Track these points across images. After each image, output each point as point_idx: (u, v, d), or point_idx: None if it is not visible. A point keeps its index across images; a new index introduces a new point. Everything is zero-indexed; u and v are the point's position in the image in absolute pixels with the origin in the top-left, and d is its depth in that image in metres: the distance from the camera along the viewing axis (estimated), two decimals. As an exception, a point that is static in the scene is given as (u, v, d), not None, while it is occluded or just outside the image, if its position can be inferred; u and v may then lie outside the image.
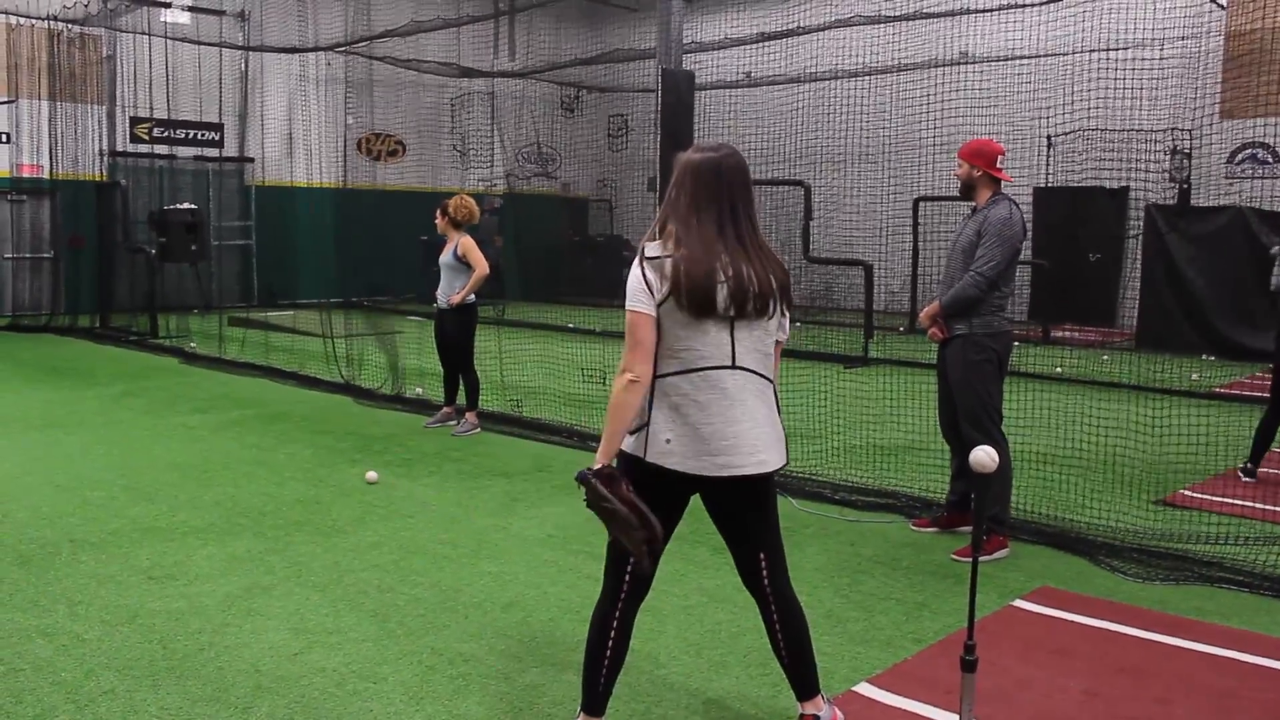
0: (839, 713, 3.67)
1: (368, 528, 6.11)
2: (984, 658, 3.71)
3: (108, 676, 4.08)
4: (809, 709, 3.59)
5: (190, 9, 18.64)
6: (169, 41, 17.94)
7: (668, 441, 3.27)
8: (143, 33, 17.68)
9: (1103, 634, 4.67)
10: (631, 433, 3.34)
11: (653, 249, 3.30)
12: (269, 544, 5.76)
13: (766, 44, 16.50)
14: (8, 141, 17.67)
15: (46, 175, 17.42)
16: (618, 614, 3.45)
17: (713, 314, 3.24)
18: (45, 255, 18.19)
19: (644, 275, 3.25)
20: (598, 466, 3.29)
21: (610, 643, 3.44)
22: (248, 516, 6.29)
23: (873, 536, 6.03)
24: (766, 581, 3.53)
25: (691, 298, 3.20)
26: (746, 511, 3.49)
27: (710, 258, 3.23)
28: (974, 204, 5.79)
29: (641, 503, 3.24)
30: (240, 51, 19.81)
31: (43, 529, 5.96)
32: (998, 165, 5.69)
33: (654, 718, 3.82)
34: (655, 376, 3.29)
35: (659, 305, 3.23)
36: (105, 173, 17.63)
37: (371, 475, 7.24)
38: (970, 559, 5.41)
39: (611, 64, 19.03)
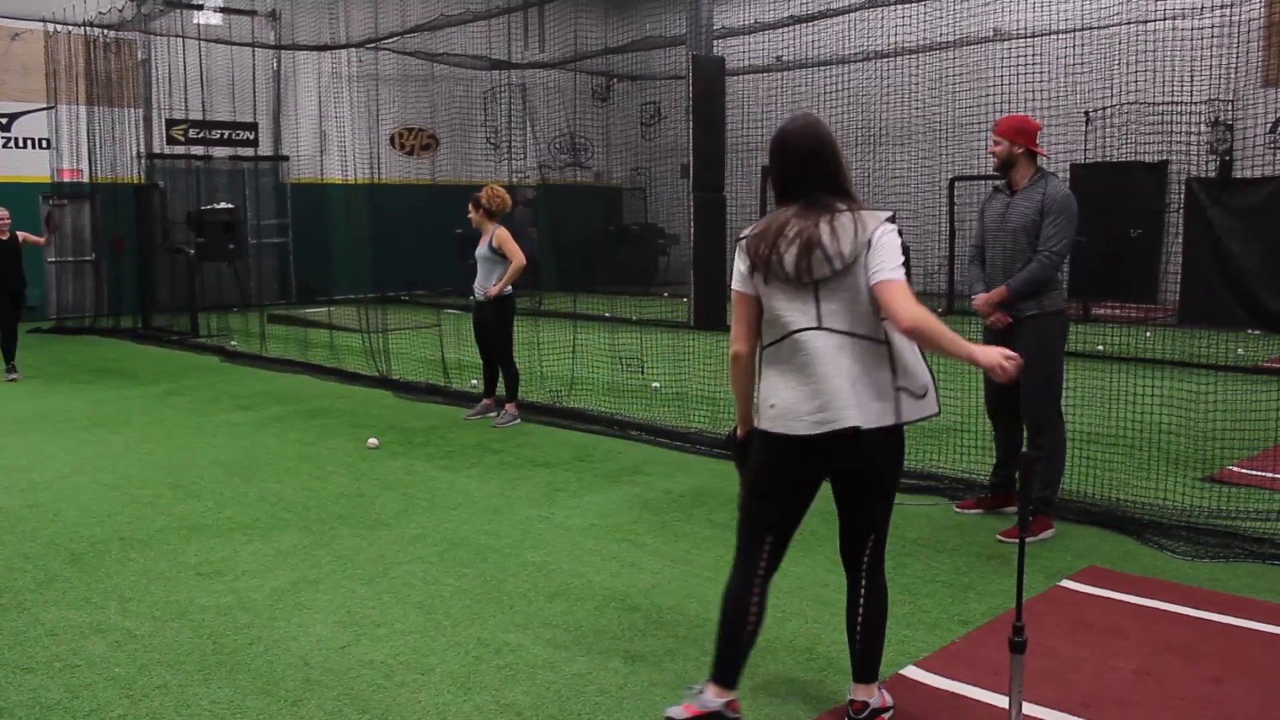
0: (888, 697, 3.69)
1: (411, 520, 6.14)
2: (1032, 639, 3.67)
3: (160, 671, 4.13)
4: (861, 694, 3.60)
5: (222, 10, 18.80)
6: (202, 43, 18.10)
7: (772, 407, 3.41)
8: (176, 35, 17.86)
9: (1153, 613, 4.62)
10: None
11: (746, 230, 3.50)
12: (314, 538, 5.81)
13: (796, 27, 16.41)
14: (48, 147, 17.89)
15: (86, 179, 17.63)
16: (756, 586, 3.49)
17: (786, 280, 3.36)
18: (87, 258, 18.42)
19: (736, 256, 3.50)
20: (738, 433, 3.65)
21: (751, 618, 3.48)
22: (292, 511, 6.35)
23: (917, 519, 6.00)
24: (866, 561, 3.59)
25: (764, 269, 3.37)
26: (859, 483, 3.51)
27: (775, 228, 3.37)
28: (1007, 181, 5.67)
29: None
30: (272, 51, 19.96)
31: (93, 527, 6.05)
32: (1037, 141, 5.60)
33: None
34: (762, 347, 3.48)
35: (749, 279, 3.44)
36: (143, 175, 17.84)
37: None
38: (1016, 540, 5.40)
39: (642, 52, 19.00)
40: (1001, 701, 3.66)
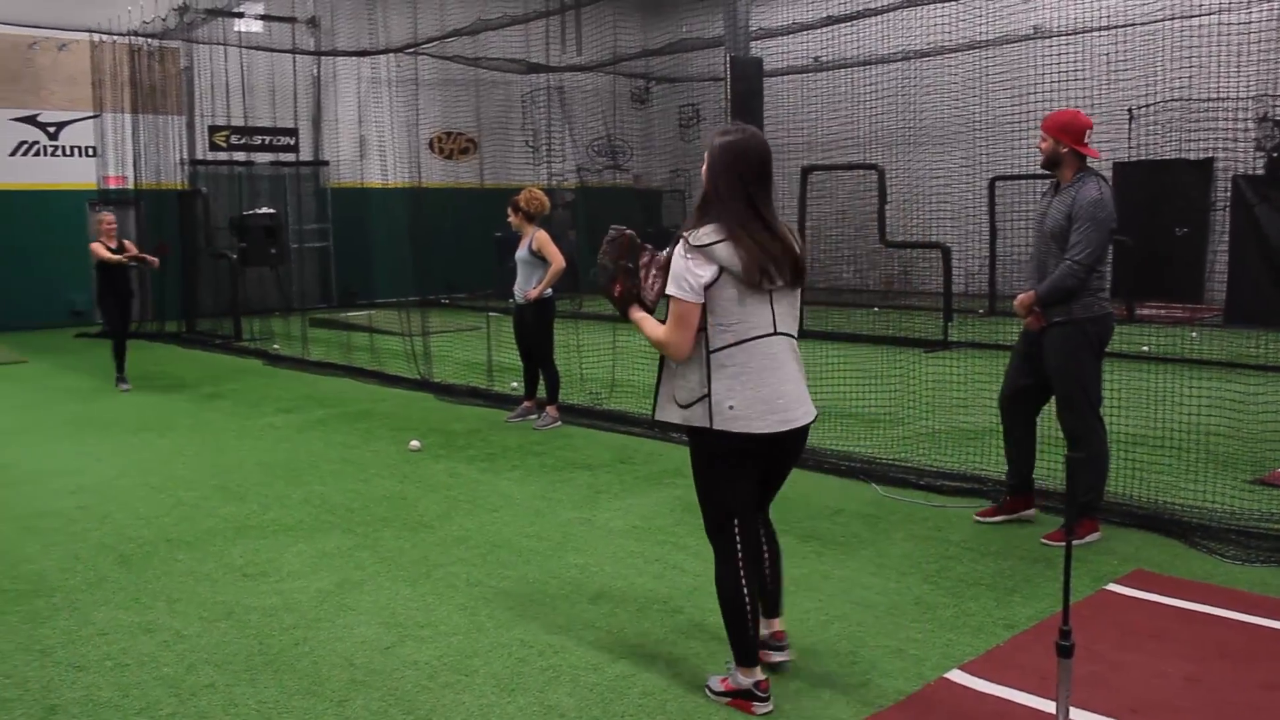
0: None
1: (454, 522, 6.17)
2: (1079, 643, 3.63)
3: (207, 671, 4.18)
4: (780, 625, 4.06)
5: (263, 18, 18.99)
6: (243, 50, 18.27)
7: (731, 408, 3.58)
8: (218, 43, 18.05)
9: (1202, 617, 4.56)
10: (687, 406, 3.65)
11: (698, 236, 3.56)
12: (358, 540, 5.85)
13: (834, 27, 16.34)
14: (94, 154, 18.15)
15: (131, 186, 17.85)
16: (742, 573, 3.74)
17: (758, 288, 3.57)
18: (131, 264, 18.62)
19: (688, 262, 3.55)
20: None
21: (748, 602, 3.72)
22: (336, 513, 6.40)
23: (959, 522, 5.95)
24: (768, 514, 4.02)
25: (743, 277, 3.52)
26: (786, 461, 3.85)
27: (751, 238, 3.54)
28: (1055, 179, 5.58)
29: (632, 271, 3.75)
30: (312, 57, 20.13)
31: (140, 529, 6.12)
32: (1085, 141, 5.44)
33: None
34: (709, 351, 3.59)
35: (707, 287, 3.54)
36: (186, 181, 18.05)
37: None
38: (1061, 543, 5.35)
39: (680, 54, 18.99)
40: (1048, 707, 3.63)
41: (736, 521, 3.75)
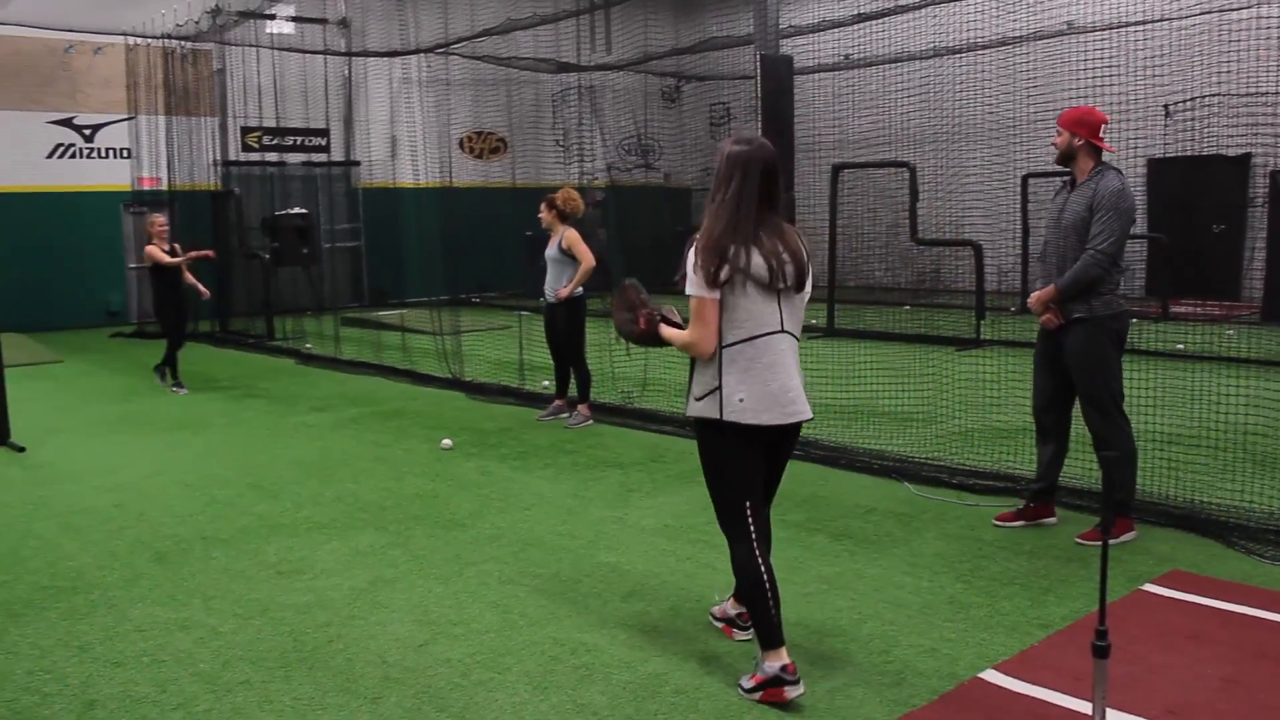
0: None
1: (486, 520, 6.20)
2: (1115, 644, 3.59)
3: (243, 667, 4.21)
4: (742, 608, 4.27)
5: (294, 19, 19.12)
6: (275, 52, 18.43)
7: (740, 400, 3.77)
8: (250, 45, 18.21)
9: (1240, 619, 4.51)
10: (700, 399, 3.86)
11: (713, 238, 3.75)
12: (391, 538, 5.88)
13: (865, 24, 16.27)
14: (129, 156, 18.33)
15: (165, 187, 18.02)
16: (759, 556, 3.87)
17: (768, 288, 3.76)
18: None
19: (706, 263, 3.73)
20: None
21: (768, 583, 3.84)
22: (369, 511, 6.43)
23: (993, 521, 5.91)
24: (768, 509, 4.12)
25: (755, 275, 3.73)
26: (783, 455, 4.06)
27: (760, 241, 3.75)
28: (1071, 175, 5.54)
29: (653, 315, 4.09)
30: (343, 58, 20.25)
31: (176, 527, 6.18)
32: (1100, 135, 5.42)
33: (777, 706, 3.80)
34: (722, 346, 3.79)
35: (722, 285, 3.73)
36: (219, 182, 18.21)
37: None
38: (1095, 543, 5.31)
39: (710, 52, 18.97)
40: (1084, 707, 3.60)
41: (749, 504, 3.89)
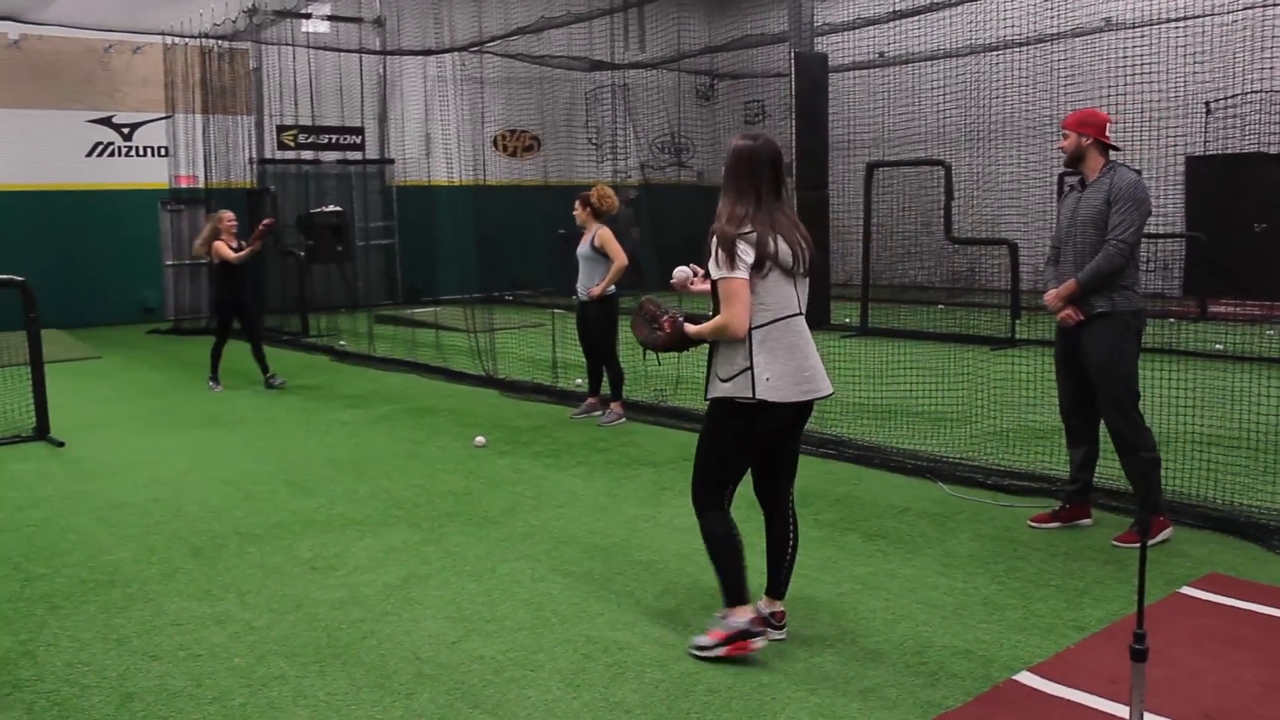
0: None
1: (519, 518, 6.21)
2: (1152, 647, 3.55)
3: (277, 662, 4.25)
4: (779, 605, 4.36)
5: (330, 18, 19.24)
6: (310, 51, 18.55)
7: (767, 380, 3.98)
8: (286, 44, 18.35)
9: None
10: (728, 380, 4.02)
11: (739, 226, 3.98)
12: (424, 535, 5.91)
13: (899, 22, 16.18)
14: (166, 154, 18.51)
15: (201, 185, 18.19)
16: (731, 524, 4.18)
17: (790, 272, 4.02)
18: (202, 261, 18.97)
19: (738, 249, 3.94)
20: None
21: (737, 547, 4.15)
22: (402, 508, 6.47)
23: (1027, 522, 5.86)
24: (792, 497, 4.37)
25: (780, 261, 3.98)
26: (795, 436, 4.27)
27: (779, 228, 4.01)
28: (1081, 176, 5.56)
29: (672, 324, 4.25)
30: (378, 56, 20.35)
31: (211, 522, 6.24)
32: (1107, 132, 5.47)
33: (809, 706, 3.79)
34: (751, 328, 3.98)
35: (751, 270, 3.94)
36: (255, 180, 18.36)
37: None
38: (1132, 545, 5.26)
39: (745, 50, 18.92)
40: (1120, 711, 3.57)
41: (730, 486, 4.18)
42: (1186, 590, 4.84)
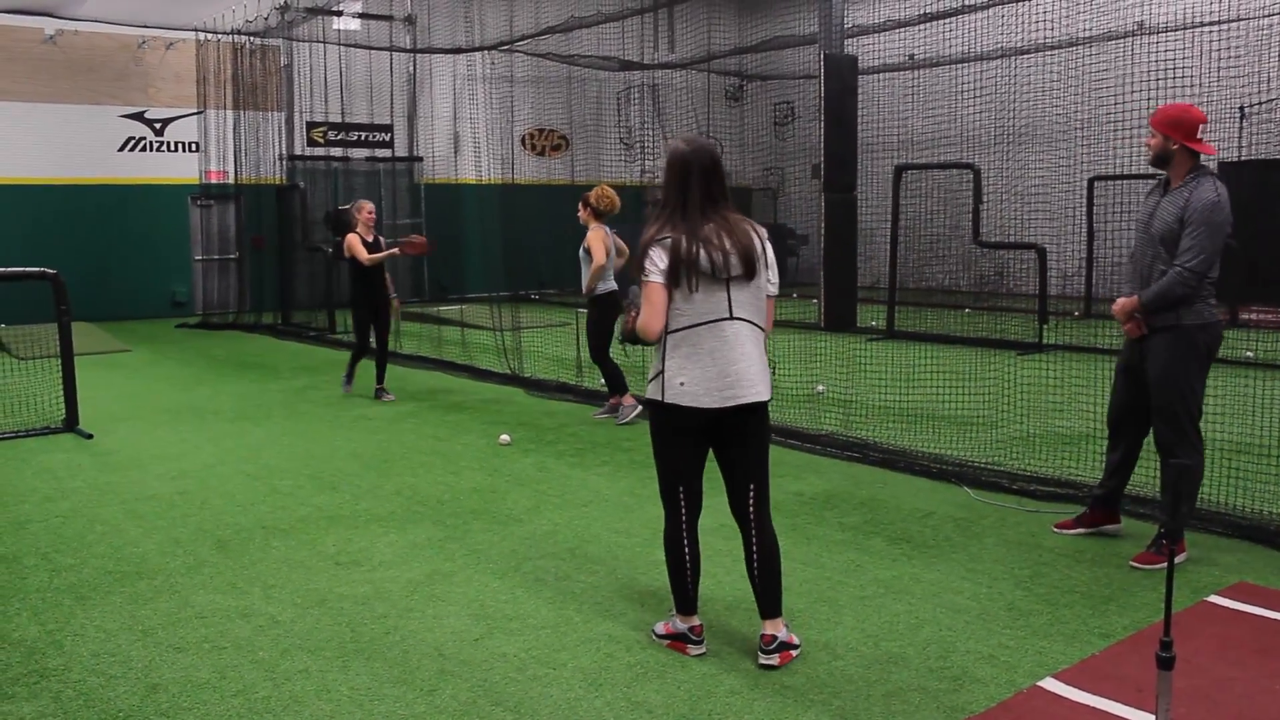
0: (795, 636, 4.27)
1: (543, 516, 6.22)
2: (1179, 655, 3.53)
3: (301, 657, 4.27)
4: (770, 629, 4.20)
5: (360, 16, 19.33)
6: (341, 48, 18.65)
7: (681, 384, 4.03)
8: (317, 41, 18.46)
9: (1310, 633, 4.40)
10: (650, 380, 4.14)
11: (658, 233, 4.04)
12: (448, 532, 5.92)
13: (930, 24, 16.11)
14: (197, 150, 18.65)
15: (231, 180, 18.33)
16: (685, 532, 4.21)
17: (713, 278, 3.99)
18: (231, 256, 19.14)
19: (652, 254, 4.01)
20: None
21: (688, 557, 4.22)
22: (426, 505, 6.49)
23: (1052, 527, 5.82)
24: (752, 511, 4.22)
25: (700, 268, 3.97)
26: (744, 443, 4.16)
27: (702, 235, 4.00)
28: (1164, 175, 5.24)
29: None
30: (408, 54, 20.43)
31: (237, 516, 6.28)
32: (1198, 137, 5.10)
33: (831, 710, 3.78)
34: (667, 332, 4.05)
35: (667, 275, 3.98)
36: (284, 176, 18.48)
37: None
38: (1148, 566, 5.19)
39: (775, 51, 18.89)
40: (1146, 719, 3.54)
41: (682, 488, 4.19)
42: (1214, 599, 4.79)
